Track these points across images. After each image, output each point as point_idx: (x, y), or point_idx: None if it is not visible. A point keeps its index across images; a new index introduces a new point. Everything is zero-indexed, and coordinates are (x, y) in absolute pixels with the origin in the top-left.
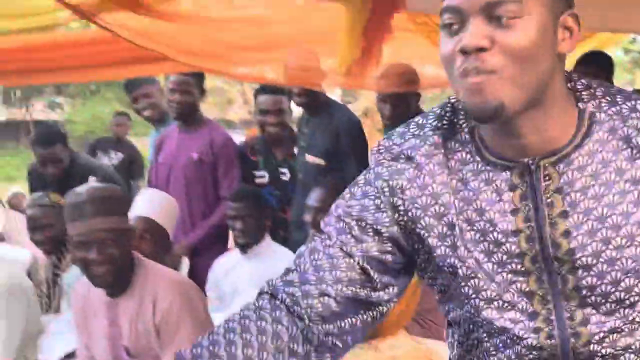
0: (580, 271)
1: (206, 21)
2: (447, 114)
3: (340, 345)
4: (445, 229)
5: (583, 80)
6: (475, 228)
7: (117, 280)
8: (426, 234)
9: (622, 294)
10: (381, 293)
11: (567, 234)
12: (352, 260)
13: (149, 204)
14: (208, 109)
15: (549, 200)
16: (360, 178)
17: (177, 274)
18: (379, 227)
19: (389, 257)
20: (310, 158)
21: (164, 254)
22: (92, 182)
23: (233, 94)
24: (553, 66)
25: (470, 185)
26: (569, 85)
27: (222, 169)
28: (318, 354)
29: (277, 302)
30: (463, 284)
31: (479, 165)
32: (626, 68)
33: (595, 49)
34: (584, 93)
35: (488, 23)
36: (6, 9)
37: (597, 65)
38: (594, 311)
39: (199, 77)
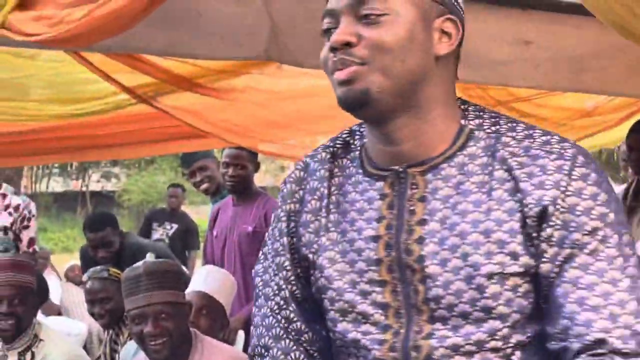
0: (428, 280)
1: (257, 95)
2: (344, 135)
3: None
4: (322, 242)
5: (478, 105)
6: (345, 238)
7: (173, 355)
8: (306, 251)
9: (467, 307)
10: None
11: (420, 240)
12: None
13: (206, 280)
14: (261, 176)
15: (411, 208)
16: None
17: (232, 349)
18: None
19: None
20: None
21: (220, 329)
22: (149, 257)
23: (286, 161)
24: (426, 65)
25: (348, 197)
26: (461, 104)
27: None
28: None
29: None
30: (322, 296)
31: (360, 177)
32: None
33: None
34: (471, 113)
35: (357, 22)
36: (68, 94)
37: None
38: (440, 325)
39: (253, 151)
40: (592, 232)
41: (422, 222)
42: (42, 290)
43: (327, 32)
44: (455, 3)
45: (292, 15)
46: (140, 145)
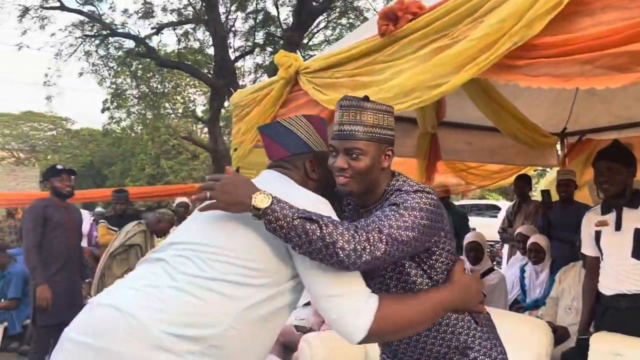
0: None
1: None
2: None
3: None
4: None
5: (401, 178)
6: None
7: None
8: None
9: (380, 273)
10: None
11: None
12: None
13: None
14: None
15: None
16: None
17: None
18: None
19: None
20: None
21: None
22: None
23: None
24: (378, 174)
25: (347, 215)
26: (393, 179)
27: None
28: None
29: None
30: None
31: (353, 207)
32: None
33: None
34: (391, 183)
35: (348, 156)
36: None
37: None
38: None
39: None
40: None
41: None
42: None
43: (332, 151)
44: (392, 136)
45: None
46: None
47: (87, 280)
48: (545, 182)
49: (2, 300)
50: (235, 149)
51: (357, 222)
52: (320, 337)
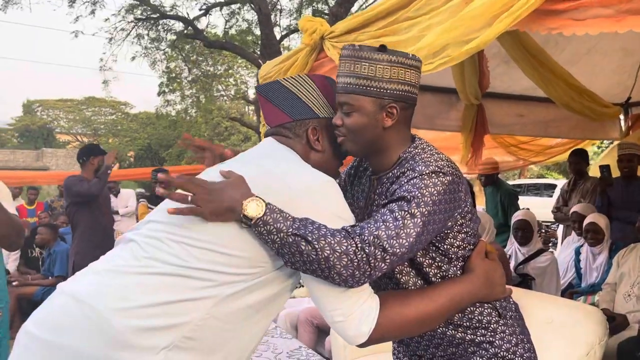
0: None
1: None
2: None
3: None
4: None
5: (420, 146)
6: (353, 207)
7: None
8: None
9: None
10: None
11: (369, 216)
12: None
13: None
14: None
15: (372, 198)
16: None
17: None
18: None
19: None
20: None
21: None
22: None
23: None
24: (380, 134)
25: (356, 188)
26: (411, 146)
27: None
28: None
29: None
30: None
31: (366, 176)
32: None
33: None
34: (409, 149)
35: (342, 112)
36: None
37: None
38: None
39: None
40: (399, 200)
41: (372, 205)
42: None
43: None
44: (400, 91)
45: None
46: None
47: None
48: (604, 157)
49: (49, 277)
50: (264, 125)
51: (362, 229)
52: None
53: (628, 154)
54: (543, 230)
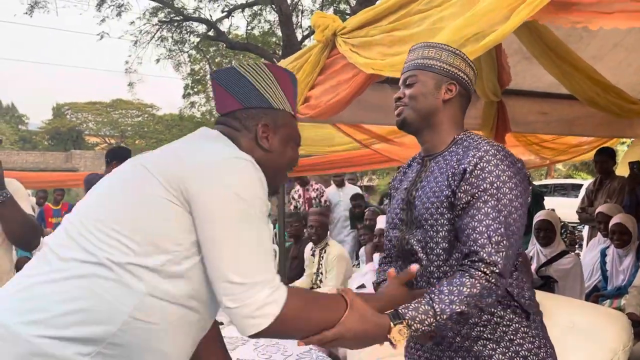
0: (412, 209)
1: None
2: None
3: None
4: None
5: (474, 134)
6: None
7: None
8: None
9: (422, 220)
10: None
11: (417, 190)
12: None
13: None
14: None
15: (421, 175)
16: None
17: None
18: None
19: None
20: None
21: None
22: None
23: None
24: (437, 107)
25: (408, 173)
26: (462, 133)
27: None
28: None
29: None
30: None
31: (417, 162)
32: None
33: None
34: (462, 134)
35: (405, 85)
36: (332, 142)
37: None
38: (415, 230)
39: None
40: (486, 192)
41: (421, 181)
42: None
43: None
44: (460, 75)
45: None
46: (364, 165)
47: None
48: (627, 153)
49: None
50: None
51: (476, 252)
52: None
53: None
54: (569, 232)
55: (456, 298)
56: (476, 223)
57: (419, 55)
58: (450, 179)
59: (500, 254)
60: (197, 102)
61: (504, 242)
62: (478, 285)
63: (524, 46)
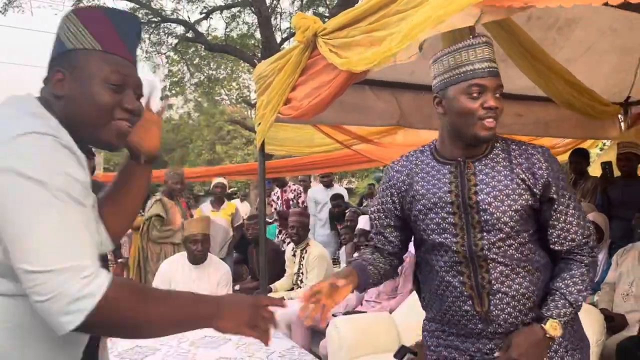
0: (480, 213)
1: (403, 145)
2: (425, 147)
3: (399, 253)
4: (414, 198)
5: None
6: (429, 194)
7: None
8: (403, 202)
9: (499, 225)
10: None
11: (475, 193)
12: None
13: None
14: None
15: (468, 177)
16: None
17: None
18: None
19: (400, 222)
20: None
21: None
22: None
23: None
24: None
25: (426, 175)
26: None
27: None
28: (393, 259)
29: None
30: (418, 222)
31: (433, 164)
32: None
33: None
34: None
35: (495, 97)
36: (313, 142)
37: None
38: (485, 234)
39: None
40: (563, 188)
41: (475, 184)
42: None
43: (472, 94)
44: None
45: (411, 104)
46: (345, 166)
47: (119, 260)
48: (603, 155)
49: None
50: (259, 124)
51: (579, 245)
52: (349, 320)
53: (627, 153)
54: None
55: (581, 287)
56: (571, 218)
57: (487, 55)
58: (526, 183)
59: (592, 238)
60: (175, 105)
61: (590, 228)
62: (592, 270)
63: (500, 48)
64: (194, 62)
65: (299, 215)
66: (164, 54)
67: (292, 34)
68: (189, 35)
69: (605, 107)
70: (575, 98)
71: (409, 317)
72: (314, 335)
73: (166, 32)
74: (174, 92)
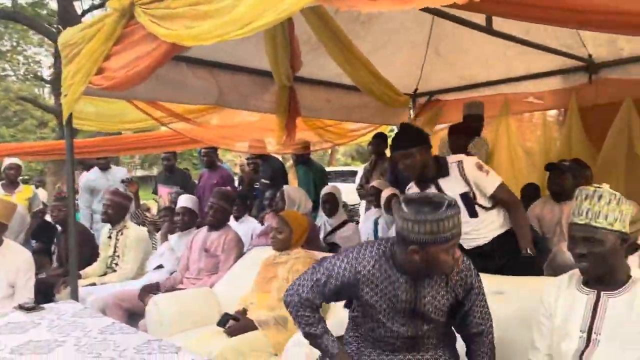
0: (422, 318)
1: (220, 127)
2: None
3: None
4: (369, 296)
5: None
6: (384, 298)
7: None
8: (359, 291)
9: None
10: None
11: (424, 305)
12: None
13: None
14: None
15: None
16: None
17: None
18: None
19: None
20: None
21: None
22: None
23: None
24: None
25: (383, 282)
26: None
27: None
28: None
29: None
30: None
31: (391, 274)
32: None
33: None
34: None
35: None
36: (125, 118)
37: None
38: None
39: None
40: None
41: (422, 297)
42: None
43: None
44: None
45: (229, 84)
46: (159, 147)
47: None
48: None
49: None
50: (66, 95)
51: None
52: (167, 297)
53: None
54: (348, 210)
55: None
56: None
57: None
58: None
59: None
60: None
61: None
62: None
63: (314, 38)
64: None
65: (112, 194)
66: None
67: (96, 6)
68: None
69: (399, 97)
70: (375, 86)
71: (230, 290)
72: (132, 316)
73: None
74: None
